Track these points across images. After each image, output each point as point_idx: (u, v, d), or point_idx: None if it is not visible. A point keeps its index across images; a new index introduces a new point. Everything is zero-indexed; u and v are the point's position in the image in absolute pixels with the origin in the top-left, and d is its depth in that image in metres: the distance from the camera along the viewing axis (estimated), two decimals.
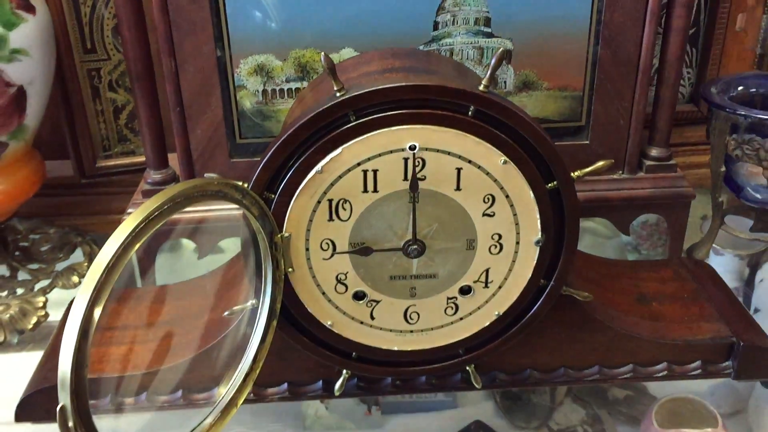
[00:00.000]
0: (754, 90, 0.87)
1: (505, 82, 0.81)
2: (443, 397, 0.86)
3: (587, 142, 0.83)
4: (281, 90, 0.79)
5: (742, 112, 0.79)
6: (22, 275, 0.88)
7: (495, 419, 0.85)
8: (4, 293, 0.84)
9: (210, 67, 0.77)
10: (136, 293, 0.78)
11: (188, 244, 0.95)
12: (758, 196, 0.86)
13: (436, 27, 0.78)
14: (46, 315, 0.83)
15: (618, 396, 0.89)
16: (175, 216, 0.82)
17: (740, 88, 0.86)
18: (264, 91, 0.79)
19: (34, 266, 0.89)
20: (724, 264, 0.98)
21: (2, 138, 0.77)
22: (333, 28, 0.77)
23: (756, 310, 0.92)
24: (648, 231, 1.08)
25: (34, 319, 0.82)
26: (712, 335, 0.70)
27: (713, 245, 0.96)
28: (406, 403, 0.86)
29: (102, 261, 0.46)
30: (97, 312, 0.46)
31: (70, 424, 0.45)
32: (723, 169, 0.85)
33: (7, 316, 0.81)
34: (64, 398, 0.45)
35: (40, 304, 0.83)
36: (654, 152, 0.85)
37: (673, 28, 0.79)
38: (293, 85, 0.79)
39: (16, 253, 0.90)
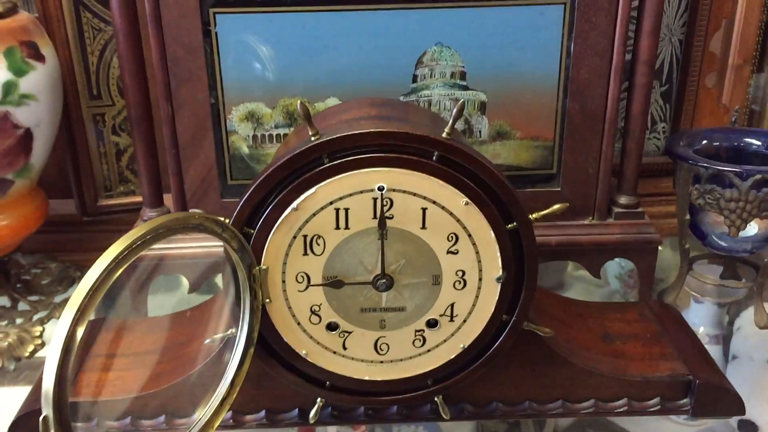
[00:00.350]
0: (717, 144, 0.91)
1: (480, 132, 0.86)
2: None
3: (559, 189, 0.88)
4: (270, 135, 0.85)
5: (704, 164, 0.84)
6: (22, 306, 0.92)
7: None
8: (4, 323, 0.88)
9: (204, 113, 0.82)
10: (125, 324, 0.82)
11: (185, 281, 0.99)
12: (723, 243, 0.90)
13: (415, 80, 0.83)
14: (43, 344, 0.87)
15: None
16: (171, 252, 0.87)
17: (704, 141, 0.91)
18: (254, 136, 0.85)
19: (34, 298, 0.93)
20: (704, 311, 1.02)
21: (8, 176, 0.83)
22: (320, 79, 0.82)
23: (734, 357, 0.94)
24: (635, 279, 1.12)
25: (30, 348, 0.86)
26: (670, 373, 0.73)
27: (693, 293, 1.00)
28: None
29: (86, 284, 0.50)
30: (80, 331, 0.50)
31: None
32: (688, 217, 0.89)
33: (6, 343, 0.85)
34: (47, 410, 0.49)
35: (37, 333, 0.87)
36: (622, 200, 0.90)
37: (636, 84, 0.84)
38: (281, 131, 0.84)
39: (18, 285, 0.95)
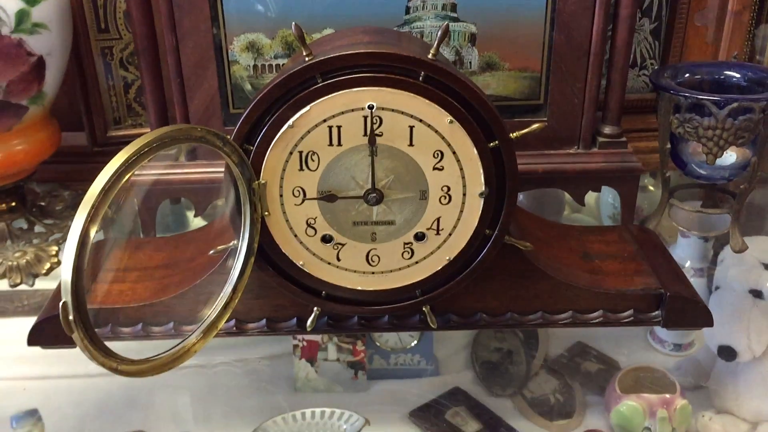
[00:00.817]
0: (699, 77, 0.95)
1: (470, 63, 0.90)
2: (425, 365, 0.93)
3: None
4: (270, 65, 0.89)
5: (684, 93, 0.88)
6: (38, 229, 0.98)
7: (473, 386, 0.91)
8: (22, 242, 0.94)
9: (206, 43, 0.86)
10: (136, 243, 0.88)
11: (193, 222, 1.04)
12: (701, 171, 0.94)
13: (408, 11, 0.87)
14: (59, 262, 0.93)
15: (590, 369, 0.96)
16: (176, 177, 0.92)
17: (687, 75, 0.95)
18: (254, 66, 0.89)
19: (49, 221, 0.99)
20: (690, 246, 1.06)
21: (23, 102, 0.87)
22: (317, 11, 0.86)
23: (717, 287, 0.98)
24: None
25: (47, 265, 0.92)
26: (643, 287, 0.78)
27: (679, 228, 1.04)
28: (390, 369, 0.93)
29: (98, 185, 0.55)
30: (93, 228, 0.55)
31: (71, 317, 0.54)
32: (669, 146, 0.93)
33: (24, 261, 0.91)
34: (66, 296, 0.54)
35: (54, 252, 0.93)
36: (607, 130, 0.94)
37: (621, 16, 0.88)
38: (281, 61, 0.88)
39: (34, 210, 1.00)
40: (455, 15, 0.87)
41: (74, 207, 1.02)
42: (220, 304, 0.70)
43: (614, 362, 0.96)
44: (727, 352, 0.89)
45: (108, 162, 0.57)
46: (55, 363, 0.89)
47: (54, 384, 0.90)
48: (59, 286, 0.80)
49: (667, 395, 0.85)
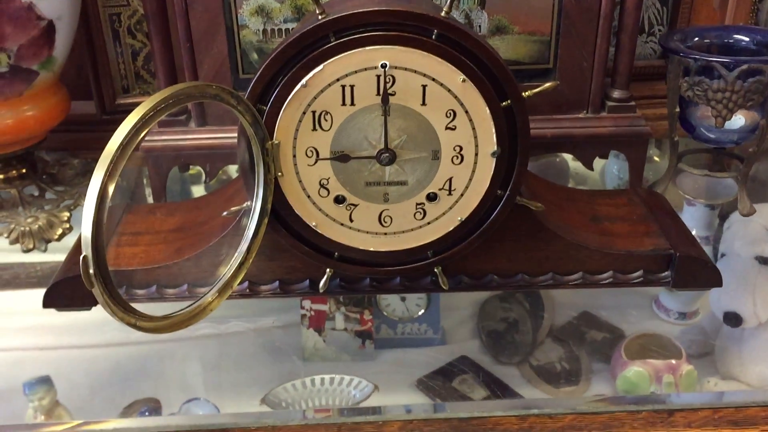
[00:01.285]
0: (708, 41, 0.95)
1: (479, 27, 0.90)
2: (432, 335, 0.93)
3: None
4: (279, 30, 0.89)
5: (693, 56, 0.88)
6: (49, 195, 0.98)
7: (480, 355, 0.90)
8: (34, 208, 0.94)
9: (216, 7, 0.86)
10: (148, 208, 0.88)
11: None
12: (710, 135, 0.94)
13: None
14: (71, 228, 0.93)
15: (596, 338, 0.96)
16: (187, 143, 0.92)
17: (696, 39, 0.95)
18: (264, 31, 0.89)
19: (60, 188, 0.99)
20: (696, 214, 1.06)
21: (34, 66, 0.88)
22: None
23: (722, 255, 0.99)
24: None
25: (59, 231, 0.92)
26: (653, 248, 0.79)
27: (686, 196, 1.04)
28: (397, 338, 0.92)
29: (116, 141, 0.55)
30: (112, 184, 0.55)
31: (91, 270, 0.55)
32: (677, 109, 0.93)
33: (36, 226, 0.91)
34: (87, 250, 0.55)
35: (65, 218, 0.94)
36: (615, 94, 0.94)
37: None
38: (290, 25, 0.88)
39: (44, 177, 1.01)
40: None
41: (84, 175, 1.03)
42: (235, 263, 0.70)
43: (619, 331, 0.96)
44: (733, 319, 0.89)
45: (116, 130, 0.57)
46: (66, 332, 0.89)
47: (66, 353, 0.90)
48: (74, 248, 0.82)
49: (673, 361, 0.85)
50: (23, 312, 0.93)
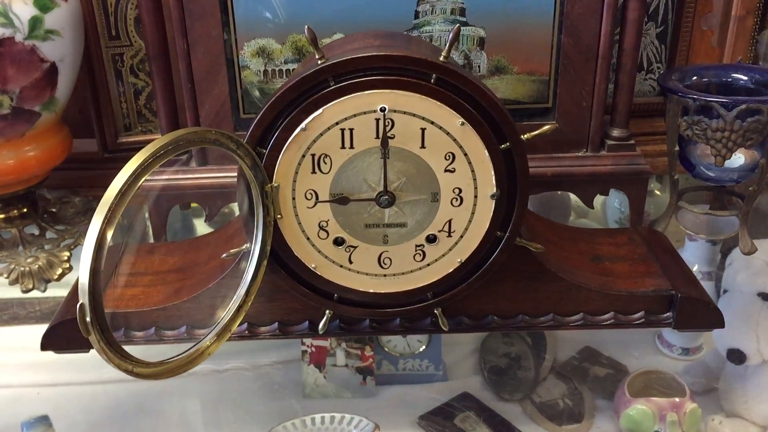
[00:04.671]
0: (707, 80, 0.95)
1: (479, 67, 0.90)
2: (434, 371, 0.93)
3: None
4: (280, 70, 0.90)
5: (692, 96, 0.88)
6: (49, 235, 0.98)
7: (482, 391, 0.92)
8: (34, 248, 0.94)
9: (217, 49, 0.87)
10: (148, 247, 0.88)
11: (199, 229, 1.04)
12: (710, 173, 0.94)
13: (417, 16, 0.88)
14: (71, 268, 0.93)
15: (598, 374, 0.96)
16: (188, 182, 0.92)
17: (695, 77, 0.95)
18: (265, 71, 0.89)
19: (61, 227, 0.99)
20: (698, 249, 1.06)
21: (36, 108, 0.88)
22: (327, 17, 0.87)
23: (725, 291, 0.98)
24: None
25: (59, 271, 0.92)
26: (654, 288, 0.78)
27: (687, 231, 1.04)
28: (399, 375, 0.93)
29: (115, 187, 0.55)
30: (110, 231, 0.56)
31: (88, 318, 0.55)
32: (677, 148, 0.93)
33: (36, 266, 0.91)
34: (84, 298, 0.55)
35: (65, 258, 0.93)
36: (615, 132, 0.94)
37: (629, 19, 0.88)
38: (291, 66, 0.89)
39: (45, 216, 1.01)
40: (464, 19, 0.88)
41: (85, 213, 1.03)
42: (233, 306, 0.70)
43: (623, 366, 0.96)
44: (737, 356, 0.88)
45: (119, 168, 0.57)
46: (65, 369, 0.89)
47: (65, 390, 0.90)
48: (72, 290, 0.82)
49: (677, 399, 0.85)
50: (21, 348, 0.93)
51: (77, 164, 1.07)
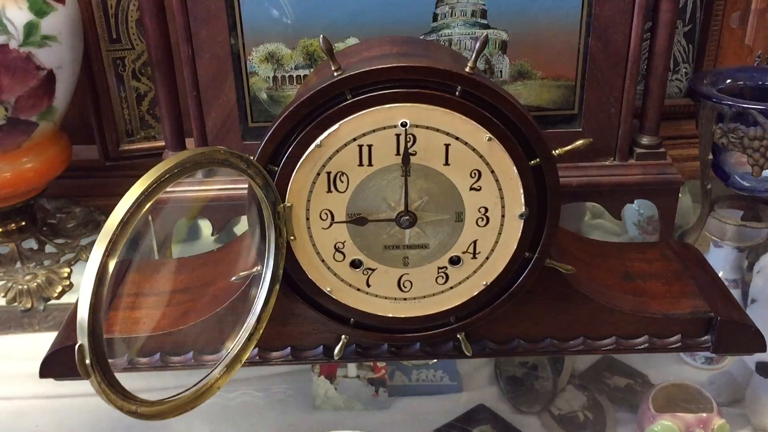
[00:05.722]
0: (741, 83, 0.91)
1: (501, 72, 0.85)
2: (448, 381, 0.90)
3: (580, 129, 0.88)
4: (290, 77, 0.85)
5: (728, 102, 0.83)
6: (49, 249, 0.94)
7: (499, 403, 0.88)
8: (32, 264, 0.90)
9: (224, 55, 0.82)
10: (152, 265, 0.84)
11: (206, 236, 1.01)
12: (745, 183, 0.89)
13: (435, 18, 0.83)
14: (71, 285, 0.89)
15: (619, 384, 0.92)
16: (192, 194, 0.88)
17: (729, 81, 0.90)
18: (274, 78, 0.85)
19: (61, 241, 0.95)
20: (724, 255, 1.02)
21: (32, 118, 0.84)
22: (340, 19, 0.82)
23: (753, 300, 0.95)
24: (654, 226, 1.12)
25: (59, 288, 0.88)
26: (692, 310, 0.74)
27: (713, 237, 1.00)
28: (412, 386, 0.90)
29: (117, 216, 0.51)
30: (112, 263, 0.51)
31: (87, 361, 0.50)
32: (710, 157, 0.88)
33: (35, 284, 0.87)
34: (83, 338, 0.50)
35: (65, 275, 0.89)
36: (644, 140, 0.89)
37: (660, 21, 0.83)
38: (302, 72, 0.84)
39: (44, 228, 0.96)
40: (485, 21, 0.83)
41: (86, 225, 0.99)
42: (243, 336, 0.66)
43: (644, 376, 0.92)
44: (766, 369, 0.84)
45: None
46: (67, 382, 0.86)
47: (68, 404, 0.86)
48: (72, 314, 0.77)
49: (704, 414, 0.81)
50: (24, 358, 0.89)
51: (78, 172, 1.03)
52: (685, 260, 0.82)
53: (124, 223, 0.51)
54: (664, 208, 0.90)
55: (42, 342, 0.75)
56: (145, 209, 0.52)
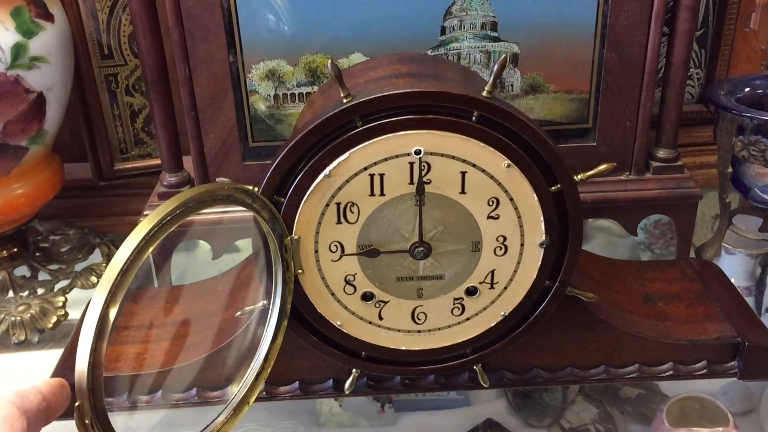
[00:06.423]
0: (761, 91, 0.87)
1: (512, 86, 0.82)
2: (455, 395, 0.88)
3: (594, 143, 0.84)
4: (292, 94, 0.81)
5: (749, 114, 0.80)
6: (42, 275, 0.90)
7: (507, 417, 0.86)
8: (25, 293, 0.86)
9: (223, 73, 0.78)
10: (151, 293, 0.80)
11: (204, 245, 0.97)
12: (766, 196, 0.86)
13: (443, 32, 0.79)
14: (66, 314, 0.85)
15: (630, 395, 0.90)
16: (191, 218, 0.84)
17: (747, 89, 0.87)
18: (275, 96, 0.81)
19: (54, 267, 0.91)
20: (736, 263, 0.99)
21: (22, 143, 0.80)
22: (343, 33, 0.78)
23: (767, 310, 0.93)
24: (661, 230, 1.09)
25: (54, 319, 0.84)
26: (718, 335, 0.71)
27: (725, 245, 0.97)
28: (419, 401, 0.88)
29: (117, 264, 0.47)
30: (113, 313, 0.48)
31: (87, 421, 0.47)
32: (730, 169, 0.85)
33: (28, 315, 0.83)
34: (81, 397, 0.47)
35: (60, 304, 0.85)
36: (661, 153, 0.86)
37: (678, 31, 0.80)
38: (304, 90, 0.81)
39: (37, 254, 0.92)
40: (495, 34, 0.79)
41: (81, 249, 0.95)
42: (250, 377, 0.62)
43: (654, 385, 0.90)
44: None
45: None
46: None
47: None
48: (67, 349, 0.74)
49: (720, 429, 0.78)
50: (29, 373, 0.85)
51: (71, 192, 0.99)
52: (706, 279, 0.79)
53: (124, 271, 0.47)
54: (682, 223, 0.87)
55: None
56: (146, 255, 0.49)
